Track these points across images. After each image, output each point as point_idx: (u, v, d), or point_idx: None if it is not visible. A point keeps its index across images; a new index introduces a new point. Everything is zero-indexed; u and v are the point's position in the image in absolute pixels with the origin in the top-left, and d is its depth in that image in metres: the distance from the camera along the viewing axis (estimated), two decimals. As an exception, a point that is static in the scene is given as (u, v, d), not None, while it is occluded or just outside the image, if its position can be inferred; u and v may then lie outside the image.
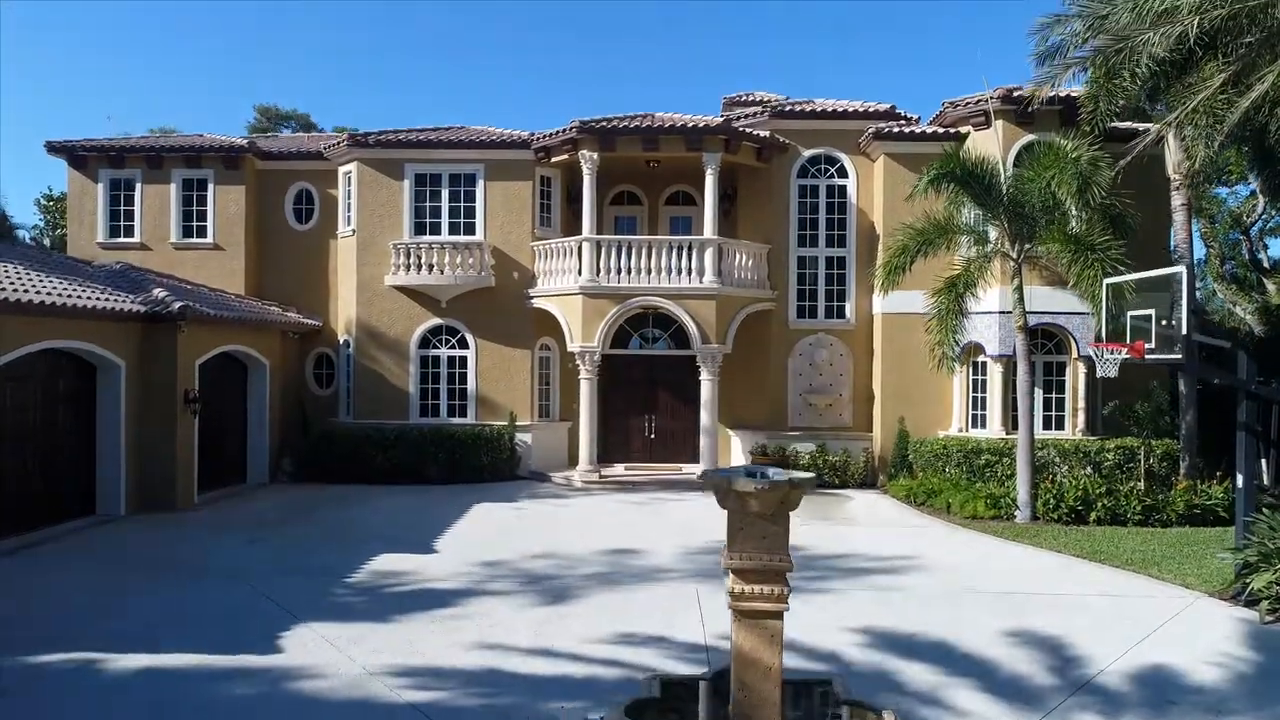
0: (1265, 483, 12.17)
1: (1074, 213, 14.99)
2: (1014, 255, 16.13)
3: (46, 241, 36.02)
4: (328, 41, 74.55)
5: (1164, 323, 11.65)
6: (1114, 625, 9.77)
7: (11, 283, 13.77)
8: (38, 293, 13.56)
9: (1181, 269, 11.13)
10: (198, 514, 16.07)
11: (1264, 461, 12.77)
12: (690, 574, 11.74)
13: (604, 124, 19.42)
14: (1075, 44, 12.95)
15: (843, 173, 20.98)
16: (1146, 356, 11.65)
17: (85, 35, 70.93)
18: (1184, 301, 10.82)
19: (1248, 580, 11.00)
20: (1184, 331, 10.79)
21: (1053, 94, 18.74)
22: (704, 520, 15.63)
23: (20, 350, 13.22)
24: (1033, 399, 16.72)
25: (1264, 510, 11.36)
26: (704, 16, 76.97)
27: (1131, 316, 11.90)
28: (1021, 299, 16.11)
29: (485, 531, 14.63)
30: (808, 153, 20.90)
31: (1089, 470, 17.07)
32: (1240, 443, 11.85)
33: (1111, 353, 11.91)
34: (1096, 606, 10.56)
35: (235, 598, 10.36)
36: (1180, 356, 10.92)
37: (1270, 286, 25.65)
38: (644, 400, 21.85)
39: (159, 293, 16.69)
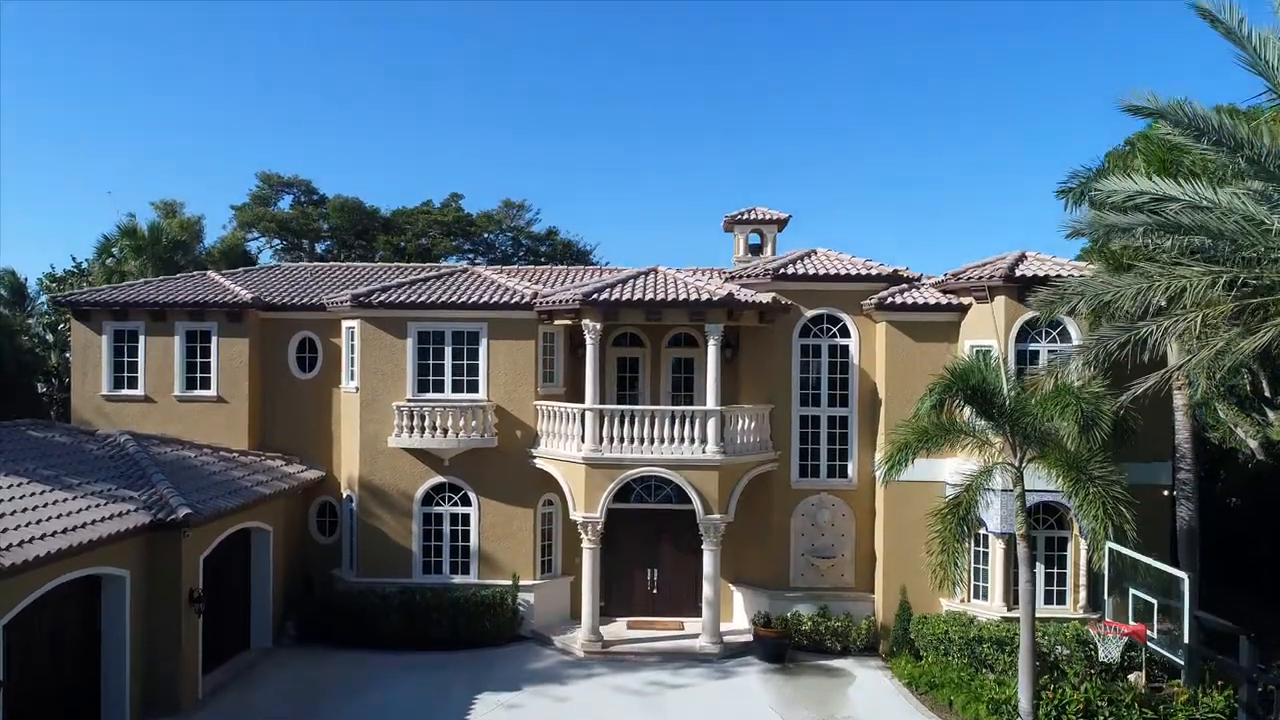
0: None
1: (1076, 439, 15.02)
2: (1015, 463, 16.13)
3: (49, 338, 36.04)
4: (329, 109, 74.74)
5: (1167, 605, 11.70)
6: None
7: (14, 512, 13.89)
8: (42, 534, 13.56)
9: (1185, 577, 11.15)
10: (201, 717, 16.12)
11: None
12: None
13: (607, 296, 19.46)
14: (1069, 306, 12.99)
15: (845, 332, 21.01)
16: (1148, 643, 11.68)
17: (84, 105, 71.21)
18: (1186, 609, 10.84)
19: None
20: (1185, 640, 10.81)
21: (1058, 273, 18.90)
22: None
23: (24, 602, 13.23)
24: (1034, 590, 16.60)
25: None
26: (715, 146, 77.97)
27: (1134, 595, 11.92)
28: (1024, 506, 16.10)
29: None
30: (810, 313, 20.94)
31: (1088, 664, 17.08)
32: (1242, 729, 11.91)
33: (1114, 633, 11.92)
34: None
35: None
36: (1182, 662, 10.95)
37: (1273, 418, 25.65)
38: (647, 552, 21.86)
39: (163, 489, 16.70)
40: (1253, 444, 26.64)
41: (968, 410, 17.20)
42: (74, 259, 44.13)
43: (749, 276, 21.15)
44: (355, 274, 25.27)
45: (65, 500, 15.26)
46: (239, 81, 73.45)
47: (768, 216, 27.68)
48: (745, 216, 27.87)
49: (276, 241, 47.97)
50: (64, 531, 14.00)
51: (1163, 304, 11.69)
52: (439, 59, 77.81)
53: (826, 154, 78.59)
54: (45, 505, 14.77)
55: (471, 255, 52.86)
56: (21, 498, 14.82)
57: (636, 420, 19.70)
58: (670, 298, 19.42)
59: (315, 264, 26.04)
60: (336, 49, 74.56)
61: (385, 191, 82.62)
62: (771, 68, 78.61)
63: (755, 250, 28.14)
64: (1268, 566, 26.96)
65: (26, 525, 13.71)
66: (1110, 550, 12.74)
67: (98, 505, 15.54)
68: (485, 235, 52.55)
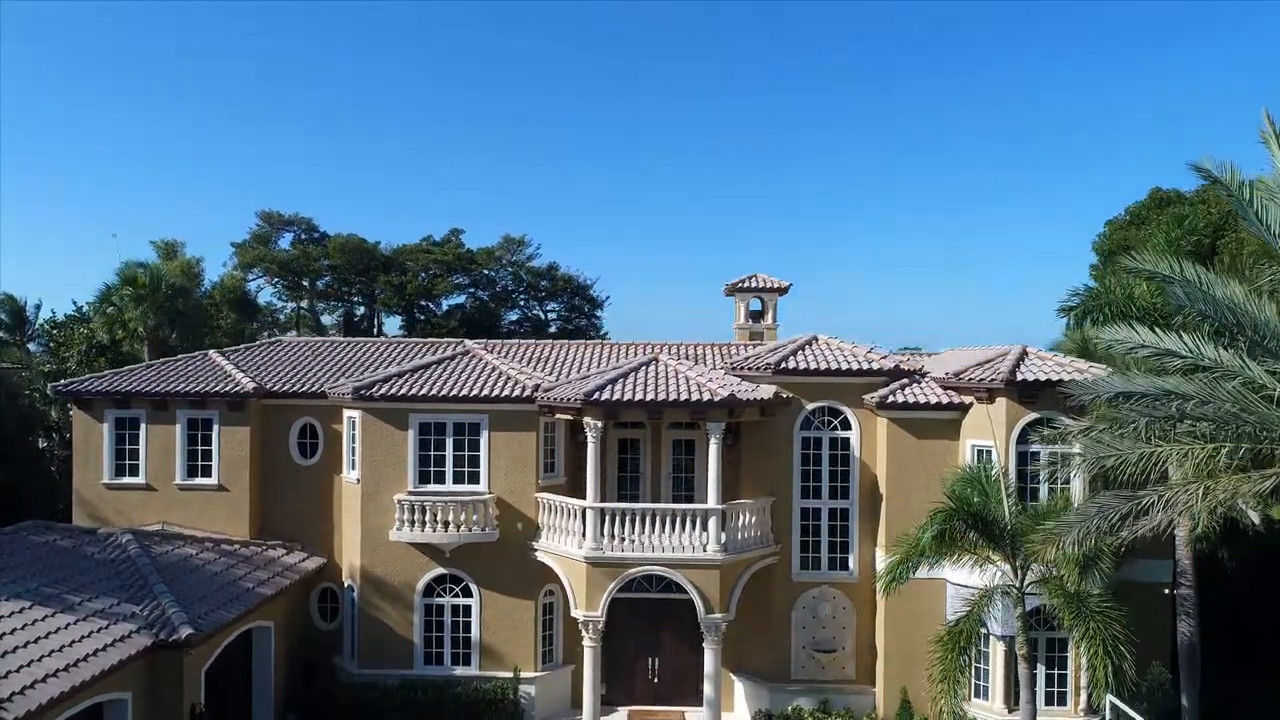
0: None
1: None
2: (1017, 584, 16.15)
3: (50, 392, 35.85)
4: (333, 140, 74.92)
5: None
6: None
7: (17, 648, 13.92)
8: (44, 675, 13.54)
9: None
10: (203, 838, 16.12)
11: None
12: None
13: (609, 396, 19.44)
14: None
15: (846, 425, 21.01)
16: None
17: (84, 149, 71.40)
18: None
19: None
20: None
21: (1059, 377, 18.90)
22: None
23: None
24: (1034, 710, 16.70)
25: None
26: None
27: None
28: (1026, 627, 16.12)
29: None
30: (810, 405, 20.95)
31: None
32: None
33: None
34: None
35: None
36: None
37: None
38: (648, 640, 21.83)
39: (165, 602, 16.68)
40: (1254, 516, 26.61)
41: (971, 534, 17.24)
42: (74, 303, 44.14)
43: (749, 369, 21.16)
44: (355, 353, 25.22)
45: (69, 626, 15.25)
46: (239, 111, 73.47)
47: (768, 284, 27.89)
48: (746, 284, 28.04)
49: (277, 280, 48.00)
50: (67, 669, 13.99)
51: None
52: (439, 93, 77.81)
53: (826, 174, 78.71)
54: (49, 635, 14.77)
55: (472, 290, 52.93)
56: (25, 627, 14.84)
57: (638, 519, 19.73)
58: (672, 398, 19.41)
59: (315, 340, 26.02)
60: (341, 80, 74.60)
61: (386, 227, 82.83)
62: (764, 84, 78.63)
63: (756, 316, 28.30)
64: (1268, 636, 26.97)
65: (29, 665, 13.72)
66: (1111, 704, 12.76)
67: (100, 629, 15.52)
68: (485, 271, 52.55)
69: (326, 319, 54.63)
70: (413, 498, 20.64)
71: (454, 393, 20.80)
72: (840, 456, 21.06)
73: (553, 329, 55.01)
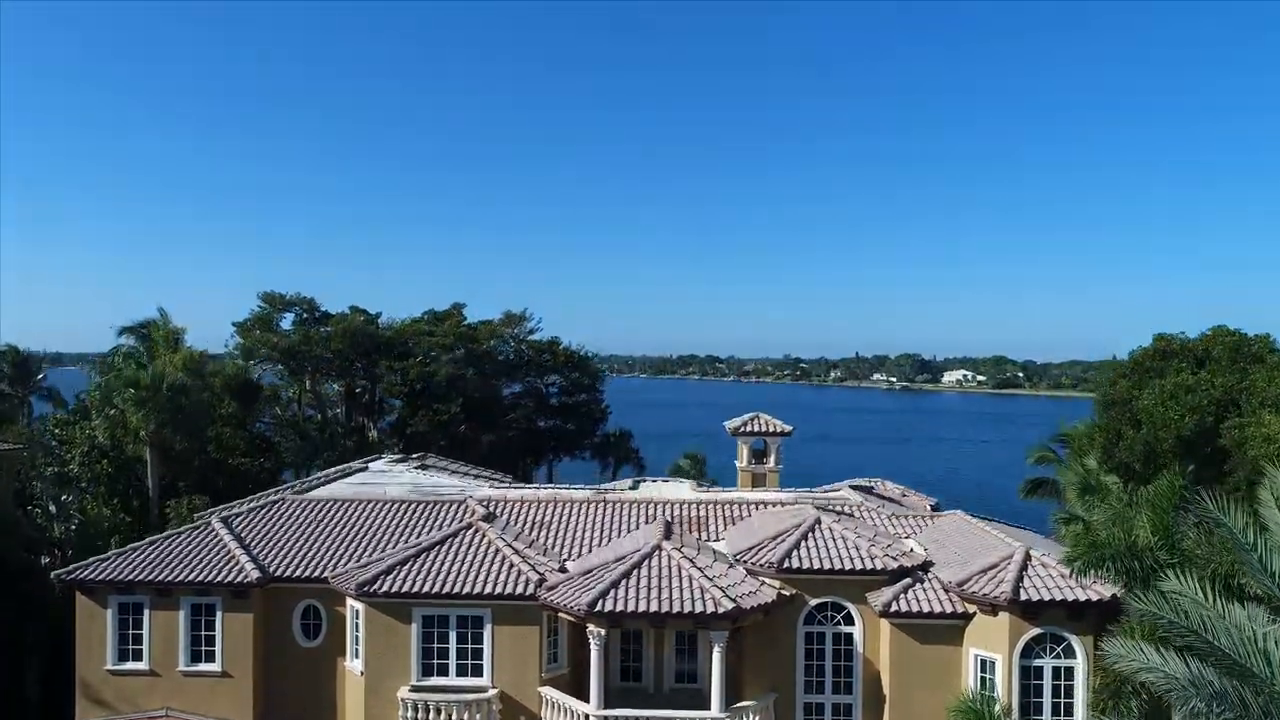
0: None
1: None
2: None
3: (53, 509, 35.84)
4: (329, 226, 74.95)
5: None
6: None
7: None
8: None
9: None
10: None
11: None
12: None
13: (612, 607, 19.45)
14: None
15: (849, 620, 21.03)
16: None
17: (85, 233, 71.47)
18: None
19: None
20: None
21: (1061, 598, 18.94)
22: None
23: None
24: None
25: None
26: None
27: None
28: None
29: None
30: (814, 601, 20.98)
31: None
32: None
33: None
34: None
35: None
36: None
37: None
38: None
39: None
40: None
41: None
42: (78, 397, 44.28)
43: (752, 564, 21.19)
44: (357, 519, 24.97)
45: None
46: (241, 185, 73.60)
47: (770, 428, 28.24)
48: (748, 428, 28.42)
49: (280, 367, 48.11)
50: None
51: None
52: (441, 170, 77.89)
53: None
54: None
55: (473, 370, 53.06)
56: None
57: (641, 726, 19.79)
58: (675, 610, 19.44)
59: (318, 502, 25.87)
60: (348, 142, 74.70)
61: (389, 298, 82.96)
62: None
63: (759, 456, 28.70)
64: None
65: None
66: None
67: None
68: (486, 346, 52.63)
69: (329, 389, 54.67)
70: (415, 695, 20.64)
71: (457, 589, 20.79)
72: (844, 651, 21.07)
73: (554, 402, 55.19)
